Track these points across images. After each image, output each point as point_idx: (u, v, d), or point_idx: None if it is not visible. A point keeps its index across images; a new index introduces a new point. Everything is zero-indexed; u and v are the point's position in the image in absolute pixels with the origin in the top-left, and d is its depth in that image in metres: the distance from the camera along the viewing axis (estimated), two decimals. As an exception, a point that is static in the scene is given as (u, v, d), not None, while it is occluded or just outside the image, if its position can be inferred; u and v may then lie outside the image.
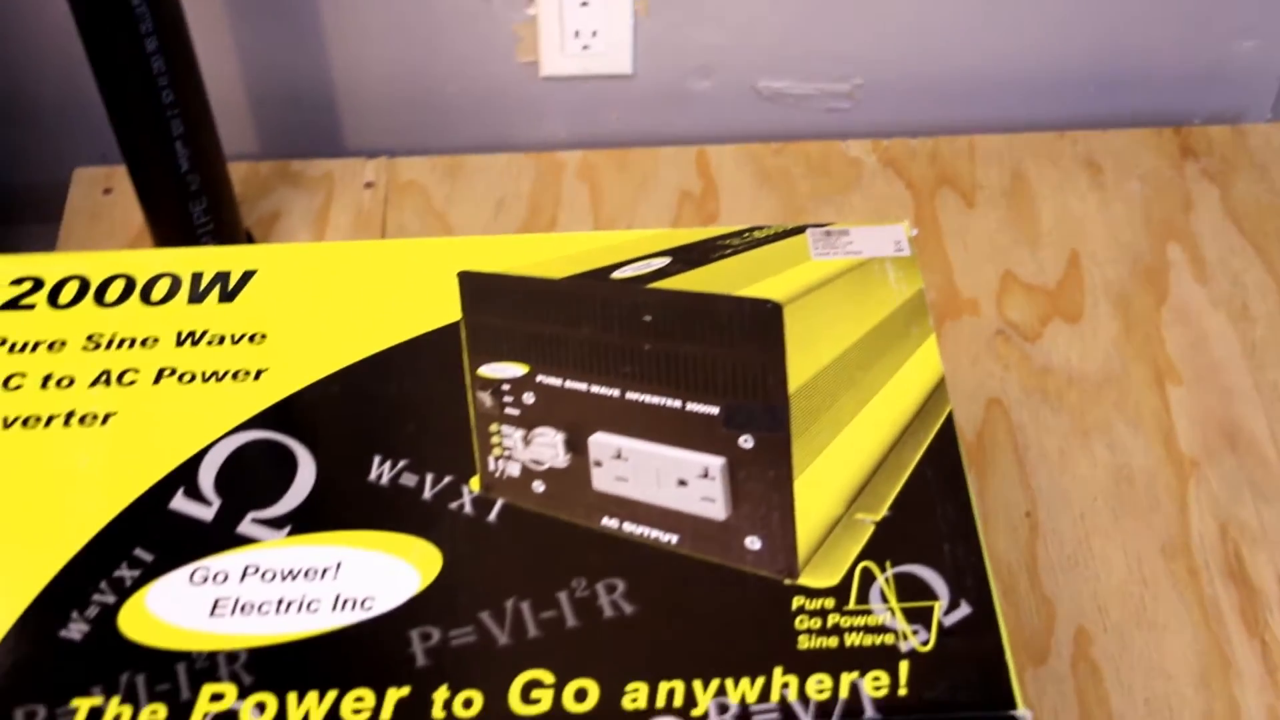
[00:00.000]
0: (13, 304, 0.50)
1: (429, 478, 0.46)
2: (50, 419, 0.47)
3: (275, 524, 0.45)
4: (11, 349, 0.49)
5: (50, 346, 0.49)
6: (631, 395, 0.48)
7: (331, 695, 0.41)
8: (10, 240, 0.87)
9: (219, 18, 0.80)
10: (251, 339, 0.50)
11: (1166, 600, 0.66)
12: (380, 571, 0.44)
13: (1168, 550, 0.68)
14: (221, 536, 0.44)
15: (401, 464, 0.46)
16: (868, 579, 0.44)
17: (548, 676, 0.41)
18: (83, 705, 0.41)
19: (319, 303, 0.51)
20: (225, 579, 0.43)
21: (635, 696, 0.41)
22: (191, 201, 0.72)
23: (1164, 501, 0.70)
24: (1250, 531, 0.68)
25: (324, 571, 0.44)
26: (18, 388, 0.48)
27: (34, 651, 0.42)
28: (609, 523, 0.45)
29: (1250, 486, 0.70)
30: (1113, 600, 0.66)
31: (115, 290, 0.51)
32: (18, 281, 0.51)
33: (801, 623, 0.43)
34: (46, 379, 0.48)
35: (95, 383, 0.48)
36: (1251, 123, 0.87)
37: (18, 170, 0.86)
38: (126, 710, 0.41)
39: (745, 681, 0.41)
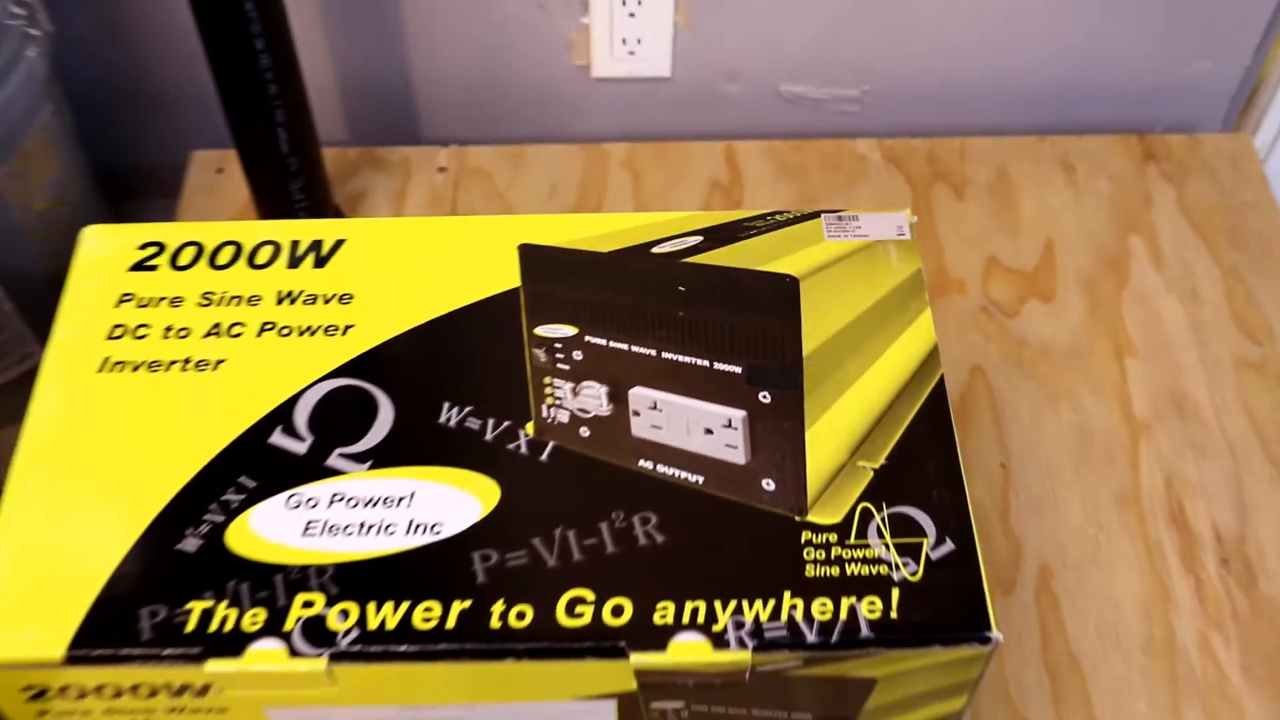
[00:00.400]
0: (140, 266, 0.50)
1: (490, 422, 0.46)
2: (170, 364, 0.47)
3: (359, 458, 0.45)
4: (138, 304, 0.49)
5: (171, 302, 0.49)
6: (666, 355, 0.48)
7: (405, 606, 0.41)
8: (137, 212, 0.88)
9: (317, 22, 0.79)
10: (340, 299, 0.50)
11: (1117, 542, 0.66)
12: (448, 501, 0.44)
13: (1120, 500, 0.67)
14: (313, 468, 0.45)
15: (467, 409, 0.46)
16: (866, 517, 0.43)
17: (589, 594, 0.41)
18: (196, 608, 0.41)
19: (398, 269, 0.50)
20: (316, 504, 0.44)
21: (664, 613, 0.41)
22: (290, 181, 0.72)
23: (1118, 458, 0.69)
24: (1191, 485, 0.68)
25: (400, 500, 0.44)
26: (143, 337, 0.48)
27: (155, 562, 0.42)
28: (645, 464, 0.45)
29: (1192, 447, 0.69)
30: (1072, 541, 0.66)
31: (226, 255, 0.51)
32: (144, 246, 0.51)
33: (808, 554, 0.42)
34: (167, 330, 0.48)
35: (208, 334, 0.48)
36: (1204, 133, 0.86)
37: (144, 152, 0.86)
38: (232, 613, 0.41)
39: (759, 603, 0.41)
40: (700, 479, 0.45)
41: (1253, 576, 0.65)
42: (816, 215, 0.52)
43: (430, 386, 0.47)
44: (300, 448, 0.45)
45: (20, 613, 0.41)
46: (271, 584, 0.42)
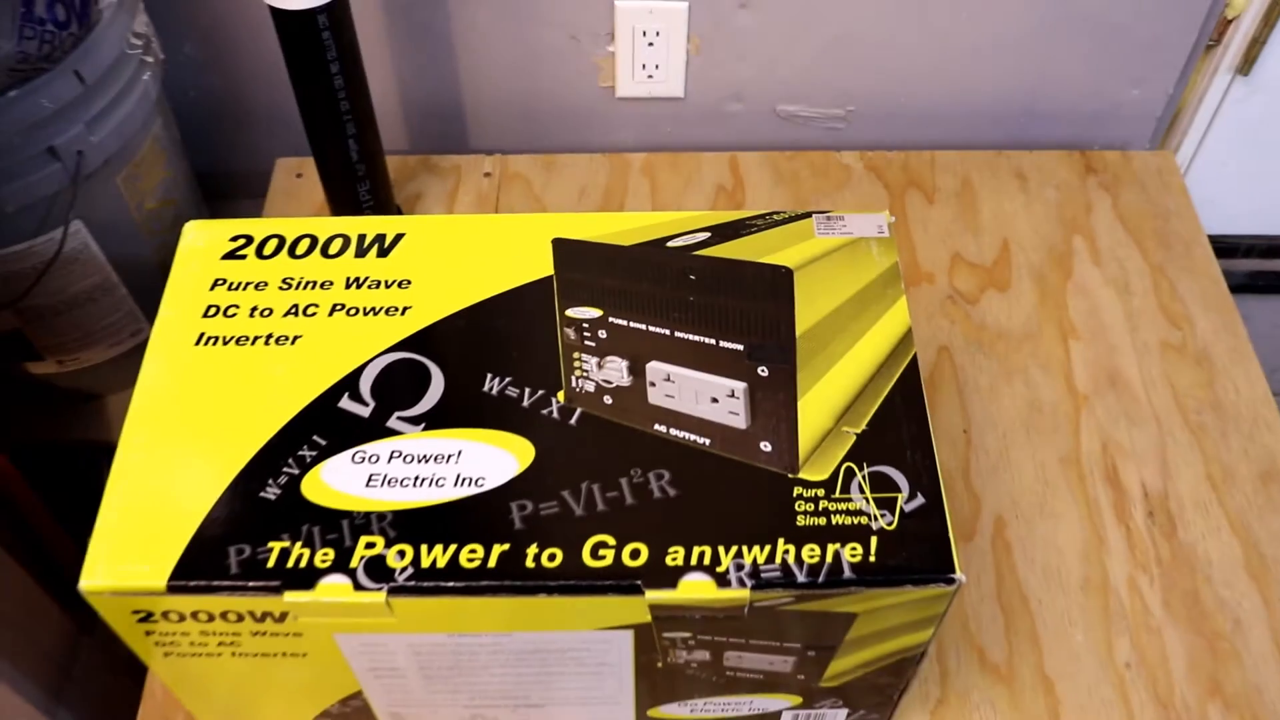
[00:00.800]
0: (231, 255, 0.50)
1: (527, 390, 0.45)
2: (255, 339, 0.47)
3: (414, 421, 0.44)
4: (229, 287, 0.48)
5: (256, 286, 0.48)
6: (679, 334, 0.47)
7: (453, 548, 0.41)
8: (229, 210, 0.87)
9: (383, 49, 0.79)
10: (400, 284, 0.49)
11: (1061, 497, 0.65)
12: (490, 458, 0.43)
13: (1064, 461, 0.66)
14: (375, 429, 0.44)
15: (507, 380, 0.45)
16: (850, 475, 0.43)
17: (611, 539, 0.41)
18: (275, 547, 0.41)
19: (449, 259, 0.50)
20: (377, 460, 0.43)
21: (675, 556, 0.40)
22: (359, 183, 0.71)
23: (1063, 425, 0.68)
24: (1123, 448, 0.67)
25: (449, 457, 0.43)
26: (233, 315, 0.47)
27: (242, 507, 0.42)
28: (659, 428, 0.44)
29: (1124, 416, 0.68)
30: (1023, 496, 0.65)
31: (303, 246, 0.50)
32: (235, 239, 0.50)
33: (799, 506, 0.42)
34: (253, 310, 0.48)
35: (287, 313, 0.47)
36: (1135, 150, 0.85)
37: (236, 159, 0.86)
38: (306, 552, 0.40)
39: (756, 548, 0.41)
40: (707, 441, 0.44)
41: (1173, 527, 0.64)
42: (808, 215, 0.51)
43: (476, 359, 0.46)
44: (364, 411, 0.44)
45: (130, 549, 0.41)
46: (339, 528, 0.41)
